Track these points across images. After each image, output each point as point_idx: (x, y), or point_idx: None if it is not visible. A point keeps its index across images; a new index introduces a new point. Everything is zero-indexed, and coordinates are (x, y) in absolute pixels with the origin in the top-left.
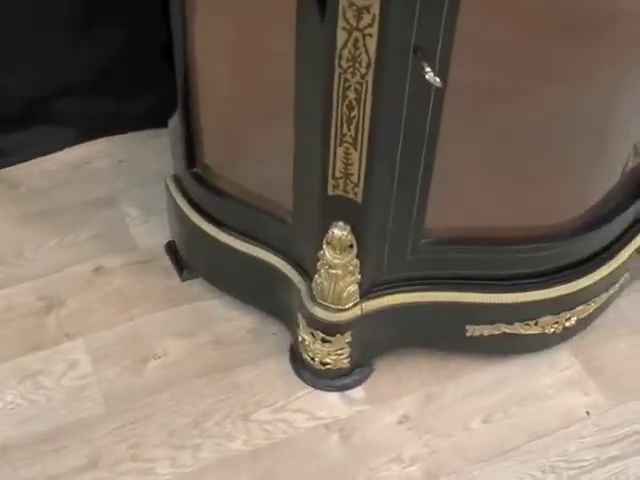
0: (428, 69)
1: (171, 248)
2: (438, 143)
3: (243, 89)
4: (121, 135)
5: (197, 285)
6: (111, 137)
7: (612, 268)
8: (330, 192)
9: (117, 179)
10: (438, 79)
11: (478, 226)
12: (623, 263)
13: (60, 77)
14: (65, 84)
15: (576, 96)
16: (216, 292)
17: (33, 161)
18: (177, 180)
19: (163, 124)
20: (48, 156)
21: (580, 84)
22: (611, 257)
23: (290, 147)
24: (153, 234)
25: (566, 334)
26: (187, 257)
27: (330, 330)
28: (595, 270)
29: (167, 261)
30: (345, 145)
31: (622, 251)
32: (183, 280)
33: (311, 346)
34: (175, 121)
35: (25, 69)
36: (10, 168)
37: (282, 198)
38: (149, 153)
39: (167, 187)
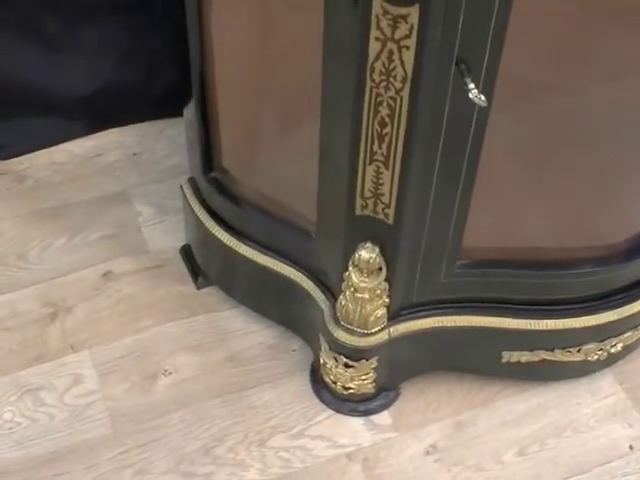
0: (472, 85)
1: (186, 253)
2: (480, 161)
3: (265, 87)
4: (135, 125)
5: (213, 293)
6: (124, 127)
7: None
8: (358, 212)
9: (130, 173)
10: (483, 97)
11: (520, 247)
12: None
13: (70, 61)
14: (75, 69)
15: (630, 103)
16: (233, 302)
17: (41, 152)
18: (193, 184)
19: (180, 113)
20: (57, 147)
21: (629, 91)
22: None
23: (316, 154)
24: (167, 236)
25: (610, 360)
26: (203, 264)
27: (354, 355)
28: None
29: (181, 266)
30: (376, 164)
31: None
32: (198, 288)
33: (333, 370)
34: (191, 112)
35: (31, 53)
36: (16, 159)
37: (306, 209)
38: (165, 145)
39: (182, 191)
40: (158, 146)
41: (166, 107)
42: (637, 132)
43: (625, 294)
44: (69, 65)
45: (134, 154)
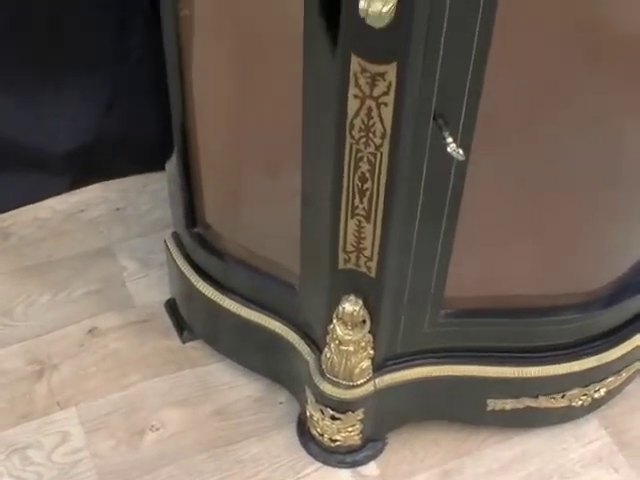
0: (450, 139)
1: (171, 307)
2: (460, 212)
3: (247, 142)
4: (118, 179)
5: (199, 347)
6: (107, 182)
7: None
8: (341, 266)
9: (114, 228)
10: (461, 151)
11: (502, 295)
12: None
13: (52, 117)
14: (56, 125)
15: (607, 151)
16: (219, 355)
17: (24, 208)
18: (177, 239)
19: (162, 167)
20: (41, 203)
21: (610, 135)
22: None
23: (298, 208)
24: (152, 290)
25: (594, 405)
26: (188, 318)
27: (341, 407)
28: (627, 340)
29: (167, 320)
30: (357, 218)
31: None
32: (184, 342)
33: (320, 422)
34: (173, 166)
35: (12, 109)
36: (0, 216)
37: (290, 262)
38: (148, 199)
39: (166, 246)
40: (141, 200)
41: (148, 161)
42: (615, 178)
43: (606, 340)
44: (51, 121)
45: (117, 209)
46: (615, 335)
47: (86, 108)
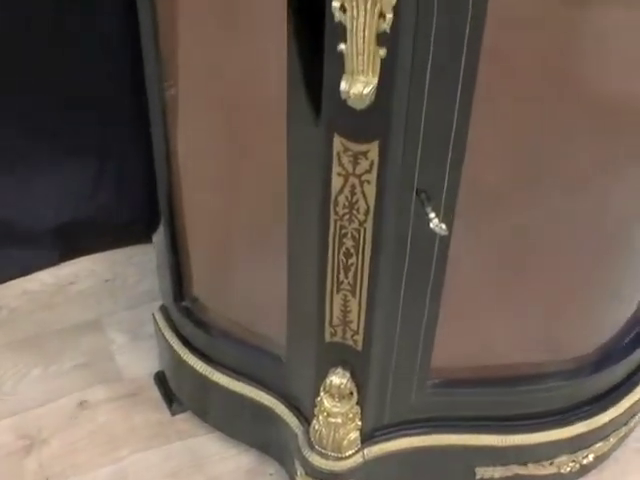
0: (432, 215)
1: (160, 379)
2: (445, 282)
3: (233, 215)
4: (107, 252)
5: (188, 419)
6: (96, 254)
7: (632, 401)
8: (328, 339)
9: (103, 301)
10: (444, 226)
11: (489, 364)
12: None
13: (39, 191)
14: (44, 199)
15: (595, 210)
16: (209, 426)
17: (14, 282)
18: (165, 312)
19: (150, 239)
20: (30, 276)
21: (595, 202)
22: (631, 389)
23: (284, 283)
24: (141, 362)
25: (583, 471)
26: (177, 390)
27: (330, 479)
28: (615, 404)
29: (156, 392)
30: (343, 292)
31: None
32: (173, 414)
33: None
34: (160, 239)
35: (3, 185)
36: None
37: (277, 335)
38: (136, 271)
39: (155, 319)
40: (130, 272)
41: (137, 233)
42: (600, 243)
43: (594, 405)
44: (39, 196)
45: (106, 281)
46: (603, 400)
47: (75, 183)
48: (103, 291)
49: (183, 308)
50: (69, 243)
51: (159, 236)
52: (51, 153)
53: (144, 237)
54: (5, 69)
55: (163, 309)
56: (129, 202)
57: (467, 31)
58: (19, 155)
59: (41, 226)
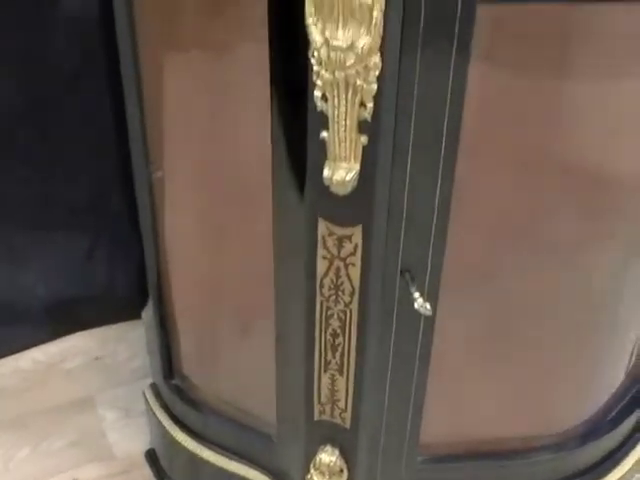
0: (417, 294)
1: (151, 457)
2: (431, 360)
3: (219, 299)
4: (97, 328)
5: None
6: (87, 331)
7: (619, 475)
8: (316, 417)
9: (94, 378)
10: (428, 306)
11: (477, 439)
12: (629, 469)
13: (30, 269)
14: (35, 276)
15: (578, 284)
16: None
17: (5, 359)
18: (155, 390)
19: (140, 316)
20: (21, 354)
21: (577, 276)
22: (618, 463)
23: (272, 362)
24: (132, 440)
25: None
26: (167, 468)
27: None
28: (603, 477)
29: (147, 470)
30: (330, 372)
31: (629, 457)
32: None
33: None
34: (149, 316)
35: None
36: None
37: (266, 413)
38: (127, 348)
39: (145, 397)
40: (120, 349)
41: (128, 310)
42: (585, 316)
43: (581, 478)
44: (31, 273)
45: (97, 358)
46: (590, 473)
47: (66, 261)
48: (94, 368)
49: (173, 386)
50: (60, 320)
51: (148, 313)
52: (43, 230)
53: (135, 313)
54: None
55: (153, 387)
56: (120, 279)
57: (446, 116)
58: (10, 232)
59: (32, 303)
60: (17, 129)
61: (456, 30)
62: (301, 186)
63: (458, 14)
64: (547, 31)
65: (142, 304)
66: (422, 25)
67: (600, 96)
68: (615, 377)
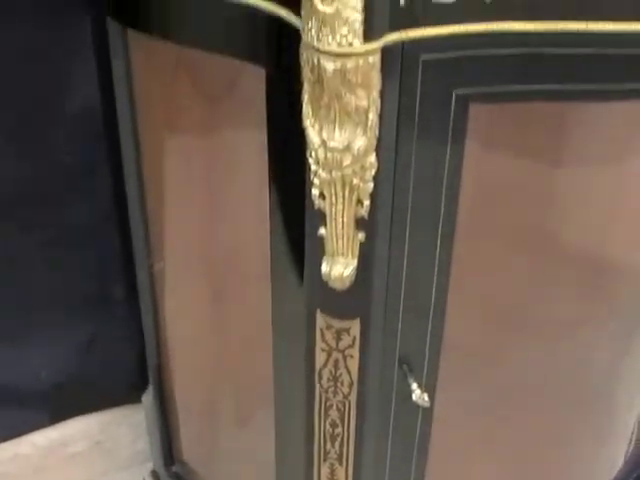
0: (414, 386)
1: None
2: (430, 446)
3: (219, 386)
4: (98, 412)
5: None
6: (88, 415)
7: None
8: None
9: (95, 462)
10: (426, 397)
11: None
12: None
13: (30, 352)
14: (35, 360)
15: (578, 364)
16: None
17: (5, 444)
18: (156, 476)
19: (140, 400)
20: (21, 438)
21: (579, 353)
22: None
23: (272, 451)
24: None
25: None
26: None
27: None
28: None
29: None
30: (330, 461)
31: None
32: None
33: None
34: (149, 401)
35: None
36: None
37: None
38: (128, 431)
39: None
40: (122, 433)
41: (129, 394)
42: (582, 397)
43: None
44: (31, 358)
45: (98, 442)
46: None
47: (67, 344)
48: (95, 452)
49: (173, 473)
50: (61, 404)
51: (148, 398)
52: (43, 314)
53: (136, 398)
54: None
55: (154, 474)
56: (121, 363)
57: (442, 207)
58: (10, 316)
59: (33, 387)
60: (18, 223)
61: (450, 126)
62: (299, 279)
63: (452, 115)
64: (544, 118)
65: (143, 388)
66: (417, 122)
67: (598, 179)
68: (613, 463)
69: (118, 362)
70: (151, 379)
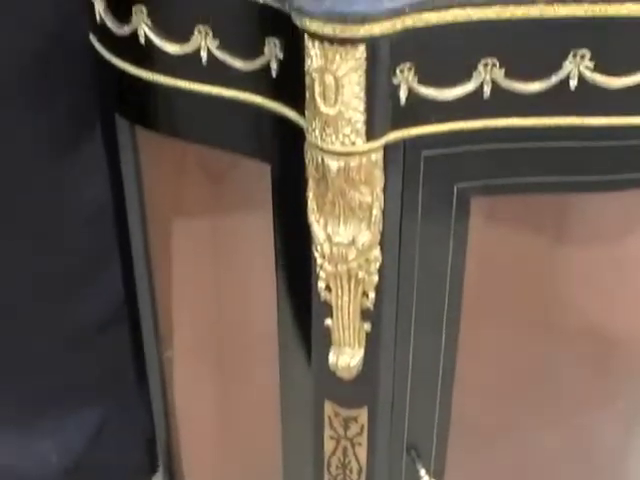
0: (422, 472)
1: None
2: None
3: (228, 472)
4: None
5: None
6: None
7: None
8: None
9: None
10: None
11: None
12: None
13: (38, 437)
14: (43, 449)
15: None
16: None
17: None
18: None
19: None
20: None
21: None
22: None
23: None
24: None
25: None
26: None
27: None
28: None
29: None
30: None
31: None
32: None
33: None
34: None
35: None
36: None
37: None
38: None
39: None
40: None
41: (138, 477)
42: (589, 477)
43: None
44: (41, 443)
45: None
46: None
47: (76, 428)
48: None
49: None
50: None
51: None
52: (53, 398)
53: None
54: None
55: None
56: (131, 447)
57: (447, 294)
58: (20, 400)
59: (42, 471)
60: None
61: (452, 219)
62: (307, 367)
63: (454, 208)
64: (544, 207)
65: (152, 472)
66: (419, 215)
67: (603, 256)
68: None
69: (127, 446)
70: (161, 462)
